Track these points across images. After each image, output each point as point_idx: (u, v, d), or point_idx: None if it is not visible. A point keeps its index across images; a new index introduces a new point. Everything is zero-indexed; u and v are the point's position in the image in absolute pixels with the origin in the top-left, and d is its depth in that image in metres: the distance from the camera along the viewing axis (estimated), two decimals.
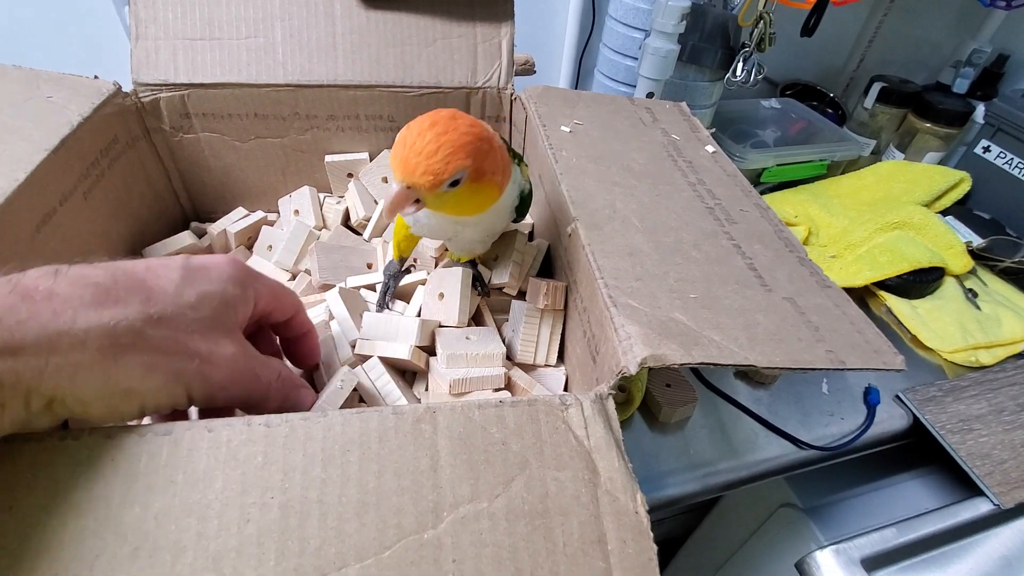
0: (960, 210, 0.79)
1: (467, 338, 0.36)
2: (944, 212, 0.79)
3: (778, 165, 0.84)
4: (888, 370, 0.28)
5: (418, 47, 0.49)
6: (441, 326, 0.37)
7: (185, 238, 0.48)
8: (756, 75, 0.62)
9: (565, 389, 0.38)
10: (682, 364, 0.25)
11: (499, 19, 0.50)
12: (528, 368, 0.38)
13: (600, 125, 0.46)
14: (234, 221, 0.51)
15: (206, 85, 0.46)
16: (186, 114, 0.47)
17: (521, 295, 0.41)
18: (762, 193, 0.87)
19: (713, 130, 0.49)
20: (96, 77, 0.43)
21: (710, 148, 0.46)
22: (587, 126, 0.45)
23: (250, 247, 0.50)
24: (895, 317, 0.68)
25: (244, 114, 0.48)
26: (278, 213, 0.53)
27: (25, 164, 0.34)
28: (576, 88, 0.94)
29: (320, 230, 0.50)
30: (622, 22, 0.68)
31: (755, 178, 0.86)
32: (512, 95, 0.51)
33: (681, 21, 0.56)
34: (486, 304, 0.41)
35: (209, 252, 0.50)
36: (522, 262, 0.40)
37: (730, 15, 0.64)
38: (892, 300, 0.69)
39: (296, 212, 0.51)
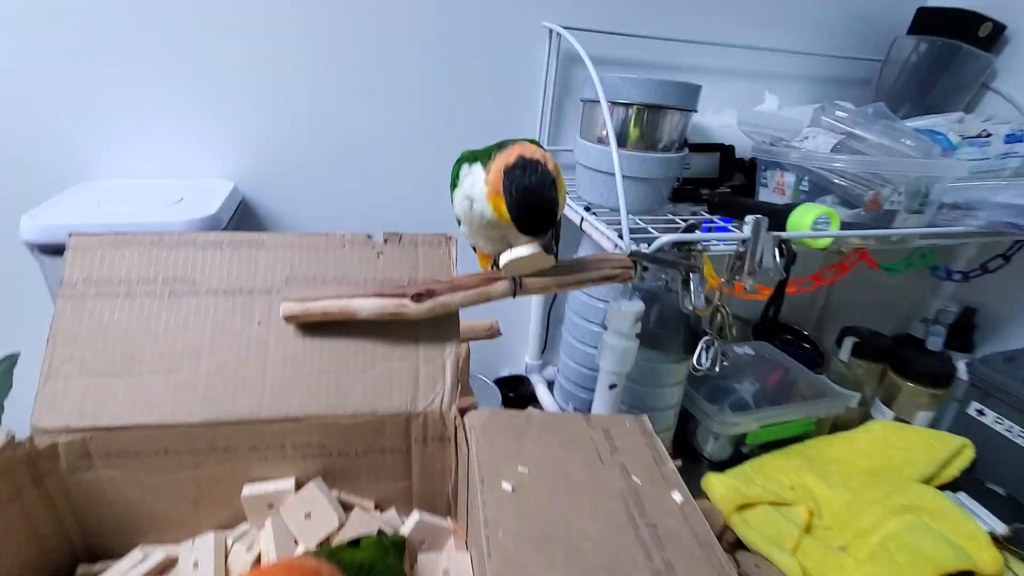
0: (971, 483, 0.72)
1: None
2: (954, 485, 0.72)
3: (762, 427, 0.79)
4: None
5: (355, 373, 0.46)
6: None
7: None
8: (721, 362, 0.60)
9: None
10: None
11: (444, 339, 0.48)
12: None
13: (550, 472, 0.40)
14: (124, 572, 0.43)
15: (112, 428, 0.42)
16: (86, 455, 0.42)
17: None
18: (748, 455, 0.81)
19: (679, 462, 0.44)
20: None
21: (677, 497, 0.40)
22: (535, 475, 0.40)
23: None
24: None
25: (153, 451, 0.43)
26: None
27: None
28: (547, 328, 0.92)
29: None
30: (581, 316, 0.68)
31: (739, 438, 0.81)
32: (455, 417, 0.46)
33: (636, 322, 0.55)
34: None
35: None
36: None
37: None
38: None
39: (195, 565, 0.43)
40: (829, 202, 0.63)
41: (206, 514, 0.46)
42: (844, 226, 0.58)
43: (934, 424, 0.83)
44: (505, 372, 0.96)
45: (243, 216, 0.69)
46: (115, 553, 0.45)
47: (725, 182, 0.79)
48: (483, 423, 0.44)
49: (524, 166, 0.37)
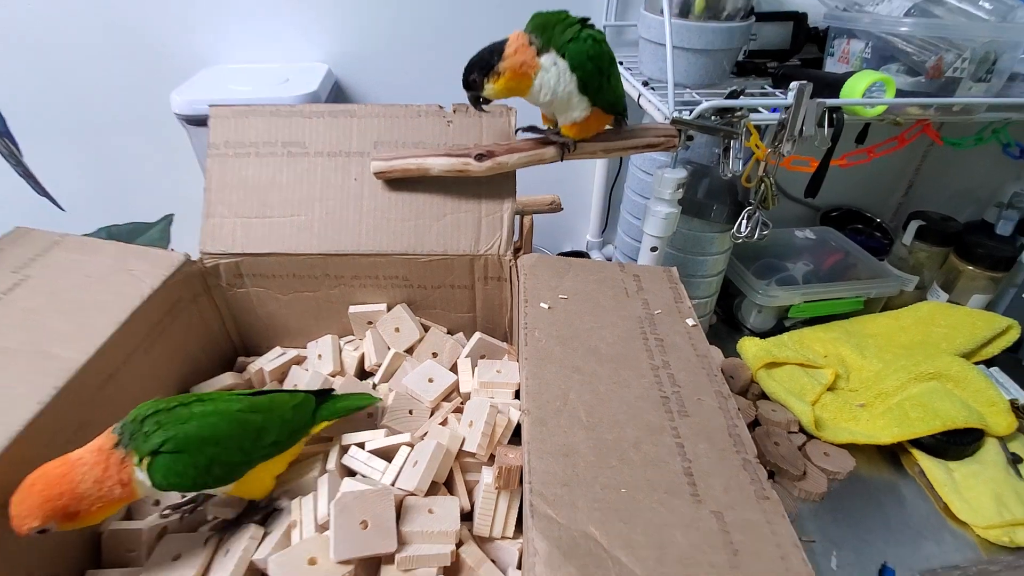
0: (1007, 360, 0.74)
1: (429, 511, 0.39)
2: (989, 362, 0.74)
3: (807, 302, 0.83)
4: None
5: (430, 221, 0.56)
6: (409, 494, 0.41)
7: (226, 378, 0.56)
8: (761, 231, 0.64)
9: (519, 564, 0.40)
10: None
11: (502, 196, 0.57)
12: (484, 540, 0.40)
13: (581, 299, 0.50)
14: (270, 360, 0.59)
15: (256, 255, 0.56)
16: (239, 275, 0.57)
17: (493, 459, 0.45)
18: (791, 327, 0.86)
19: (694, 301, 0.52)
20: (173, 250, 0.54)
21: (690, 321, 0.49)
22: (569, 300, 0.50)
23: (282, 381, 0.58)
24: (928, 480, 0.64)
25: (285, 275, 0.57)
26: None
27: (97, 338, 0.43)
28: (608, 208, 0.99)
29: (335, 376, 0.57)
30: (638, 192, 0.73)
31: (783, 312, 0.86)
32: (510, 260, 0.56)
33: (678, 189, 0.60)
34: (459, 466, 0.45)
35: (248, 386, 0.58)
36: (491, 433, 0.44)
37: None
38: (925, 461, 0.65)
39: (319, 356, 0.58)
40: (893, 71, 0.62)
41: (324, 326, 0.62)
42: (901, 94, 0.58)
43: (989, 308, 0.83)
44: (567, 248, 1.05)
45: (337, 95, 0.79)
46: (263, 350, 0.61)
47: (796, 54, 0.77)
48: (532, 264, 0.54)
49: None
